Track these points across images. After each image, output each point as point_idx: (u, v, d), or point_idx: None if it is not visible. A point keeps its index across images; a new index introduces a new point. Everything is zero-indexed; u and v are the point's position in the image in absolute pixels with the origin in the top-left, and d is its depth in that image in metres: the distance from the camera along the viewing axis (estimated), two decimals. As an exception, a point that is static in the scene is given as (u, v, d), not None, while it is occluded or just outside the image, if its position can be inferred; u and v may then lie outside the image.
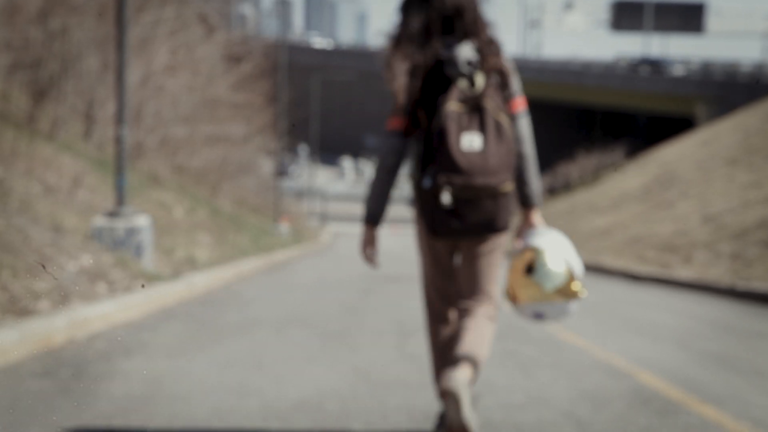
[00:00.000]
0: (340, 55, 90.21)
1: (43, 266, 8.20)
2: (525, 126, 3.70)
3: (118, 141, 10.82)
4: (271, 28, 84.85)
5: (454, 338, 3.71)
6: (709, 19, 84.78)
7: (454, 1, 3.60)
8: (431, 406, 4.66)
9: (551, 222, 31.53)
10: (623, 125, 73.01)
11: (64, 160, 15.24)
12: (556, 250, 3.70)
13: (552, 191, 44.83)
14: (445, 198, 3.50)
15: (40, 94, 18.07)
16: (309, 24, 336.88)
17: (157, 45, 23.74)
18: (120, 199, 10.88)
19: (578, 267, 3.75)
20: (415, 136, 3.65)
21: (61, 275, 8.02)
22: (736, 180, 20.63)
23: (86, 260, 8.98)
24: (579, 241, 23.47)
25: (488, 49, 3.63)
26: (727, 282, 12.06)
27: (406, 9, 3.65)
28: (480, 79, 3.59)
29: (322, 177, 78.99)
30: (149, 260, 11.03)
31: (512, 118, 3.64)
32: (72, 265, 8.52)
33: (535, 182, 3.79)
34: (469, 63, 3.58)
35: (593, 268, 18.10)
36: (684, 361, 6.22)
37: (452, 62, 3.57)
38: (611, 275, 16.69)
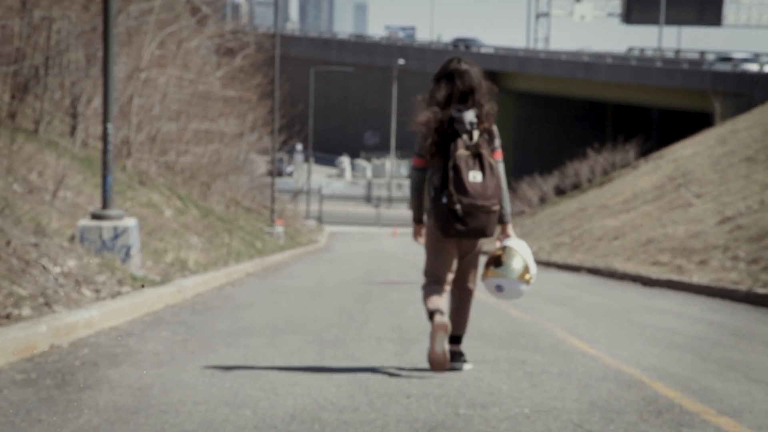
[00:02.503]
0: (338, 47, 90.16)
1: (44, 267, 8.20)
2: (502, 169, 5.79)
3: (104, 138, 10.81)
4: (265, 19, 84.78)
5: (444, 308, 5.77)
6: (727, 9, 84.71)
7: (470, 83, 5.75)
8: (434, 417, 4.66)
9: (559, 223, 31.52)
10: (636, 121, 72.98)
11: (47, 158, 15.23)
12: (518, 252, 5.85)
13: (561, 192, 44.82)
14: (457, 209, 5.59)
15: (21, 89, 18.06)
16: (305, 14, 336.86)
17: (146, 37, 23.73)
18: (106, 199, 10.87)
19: (532, 264, 5.87)
20: (431, 166, 5.76)
21: (44, 280, 8.02)
22: (755, 179, 20.63)
23: (70, 264, 8.97)
24: (589, 244, 23.47)
25: (486, 117, 5.74)
26: (744, 287, 12.05)
27: (438, 81, 5.81)
28: (476, 134, 5.69)
29: (320, 176, 78.93)
30: (137, 264, 11.03)
31: (496, 163, 5.75)
32: (55, 270, 8.52)
33: (508, 206, 5.88)
34: (470, 123, 5.70)
35: (604, 273, 18.10)
36: (699, 369, 6.22)
37: (460, 121, 5.69)
38: (623, 280, 16.68)
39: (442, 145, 5.68)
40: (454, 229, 5.65)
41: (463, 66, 5.79)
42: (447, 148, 5.65)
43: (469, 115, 5.69)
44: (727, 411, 4.91)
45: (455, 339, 5.95)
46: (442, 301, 5.78)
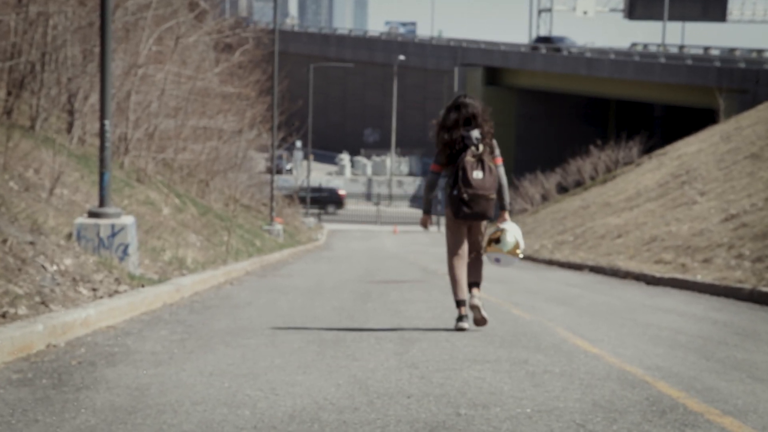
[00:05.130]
0: (337, 43, 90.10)
1: (44, 267, 8.20)
2: (502, 171, 8.01)
3: (101, 135, 10.81)
4: (264, 14, 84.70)
5: (464, 271, 8.00)
6: (731, 4, 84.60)
7: (472, 111, 7.97)
8: (434, 417, 4.66)
9: (561, 221, 31.50)
10: (639, 117, 72.88)
11: (44, 156, 15.24)
12: (511, 232, 8.00)
13: (563, 189, 44.79)
14: (464, 197, 7.77)
15: (18, 85, 18.07)
16: (304, 9, 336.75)
17: (143, 32, 23.73)
18: (103, 197, 10.87)
19: (521, 241, 8.05)
20: (446, 170, 7.98)
21: (41, 278, 8.02)
22: (760, 177, 20.62)
23: (67, 262, 8.98)
24: (592, 242, 23.47)
25: (487, 135, 7.95)
26: (749, 286, 12.05)
27: (448, 110, 8.04)
28: (480, 147, 7.88)
29: (320, 173, 78.81)
30: (135, 262, 11.03)
31: (496, 167, 7.96)
32: (52, 268, 8.52)
33: (507, 198, 8.09)
34: (476, 138, 7.88)
35: (607, 271, 18.10)
36: (704, 369, 6.22)
37: (468, 137, 7.89)
38: (626, 278, 16.69)
39: (456, 155, 7.87)
40: (463, 212, 7.82)
41: (468, 100, 8.06)
42: (459, 157, 7.84)
43: (475, 133, 7.88)
44: (731, 411, 4.92)
45: (475, 284, 8.03)
46: (464, 282, 7.98)
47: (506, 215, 8.13)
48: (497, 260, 7.98)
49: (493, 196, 7.86)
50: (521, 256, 8.02)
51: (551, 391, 5.33)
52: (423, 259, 26.72)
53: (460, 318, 7.91)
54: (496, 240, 7.94)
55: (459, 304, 7.95)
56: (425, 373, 5.83)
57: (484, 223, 8.12)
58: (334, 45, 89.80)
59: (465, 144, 7.86)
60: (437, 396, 5.15)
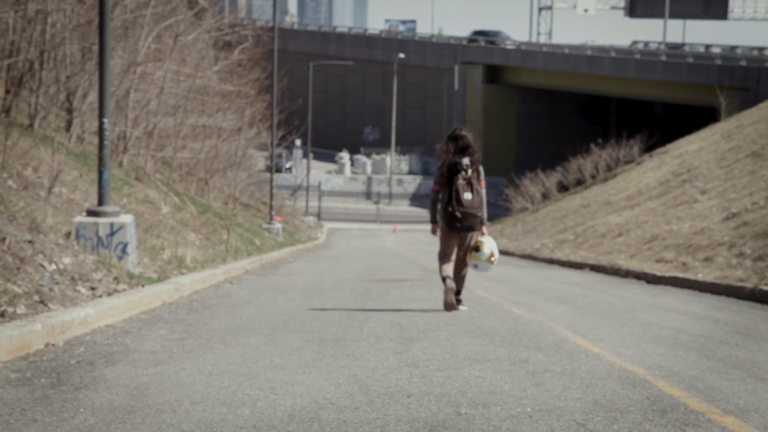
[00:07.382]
0: (336, 41, 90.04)
1: (43, 266, 8.19)
2: (484, 192, 9.74)
3: (100, 133, 10.80)
4: (263, 12, 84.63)
5: (450, 266, 9.77)
6: (732, 2, 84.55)
7: (466, 143, 9.67)
8: (435, 416, 4.66)
9: (562, 220, 31.51)
10: (640, 115, 72.86)
11: (43, 154, 15.23)
12: (488, 244, 9.68)
13: (564, 188, 44.77)
14: (457, 215, 9.55)
15: (16, 83, 18.07)
16: (303, 7, 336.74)
17: (142, 30, 23.71)
18: (102, 196, 10.87)
19: (496, 251, 9.79)
20: (443, 189, 9.67)
21: (39, 277, 8.02)
22: (761, 175, 20.62)
23: (66, 261, 8.97)
24: (593, 241, 23.46)
25: (476, 161, 9.64)
26: (750, 284, 12.05)
27: (448, 140, 9.75)
28: (470, 171, 9.60)
29: (320, 172, 78.76)
30: (133, 261, 11.03)
31: (481, 188, 9.65)
32: (51, 267, 8.52)
33: (485, 214, 9.74)
34: (466, 165, 9.57)
35: (608, 270, 18.09)
36: (705, 368, 6.22)
37: (460, 163, 9.56)
38: (627, 277, 16.68)
39: (450, 177, 9.57)
40: (455, 225, 9.61)
41: (462, 132, 9.81)
42: (453, 179, 9.56)
43: (466, 161, 9.60)
44: (732, 410, 4.92)
45: (458, 292, 9.91)
46: (449, 269, 9.70)
47: (484, 229, 9.83)
48: (475, 266, 9.71)
49: (480, 213, 9.63)
50: (495, 263, 9.81)
51: (552, 391, 5.33)
52: (423, 257, 26.71)
53: (445, 280, 9.75)
54: (476, 249, 9.66)
55: (444, 279, 9.68)
56: (425, 372, 5.83)
57: (473, 233, 9.75)
58: (333, 43, 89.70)
59: (457, 168, 9.54)
60: (437, 395, 5.15)
